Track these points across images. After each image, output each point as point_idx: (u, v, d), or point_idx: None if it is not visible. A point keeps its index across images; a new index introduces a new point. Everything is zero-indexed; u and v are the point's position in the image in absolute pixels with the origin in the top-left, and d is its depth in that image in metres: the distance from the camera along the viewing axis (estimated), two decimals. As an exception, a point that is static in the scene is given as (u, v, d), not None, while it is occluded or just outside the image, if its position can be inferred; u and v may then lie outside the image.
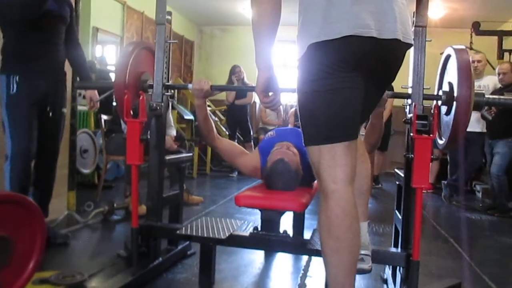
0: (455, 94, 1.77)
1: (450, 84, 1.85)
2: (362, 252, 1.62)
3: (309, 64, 1.35)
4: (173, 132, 3.79)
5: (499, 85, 4.41)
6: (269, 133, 2.40)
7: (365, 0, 1.31)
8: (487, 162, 4.60)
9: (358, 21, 1.29)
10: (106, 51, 5.87)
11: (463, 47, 1.86)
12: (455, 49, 1.84)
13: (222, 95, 6.28)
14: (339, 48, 1.30)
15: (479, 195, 5.22)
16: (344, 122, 1.34)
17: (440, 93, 1.92)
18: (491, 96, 1.97)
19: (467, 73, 1.74)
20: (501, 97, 2.14)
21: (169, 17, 2.18)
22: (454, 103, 1.78)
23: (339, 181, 1.32)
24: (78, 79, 2.78)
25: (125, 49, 2.19)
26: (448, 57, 1.94)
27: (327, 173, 1.33)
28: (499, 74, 4.36)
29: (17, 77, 2.34)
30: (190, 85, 2.17)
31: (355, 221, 1.33)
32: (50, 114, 2.52)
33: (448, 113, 1.87)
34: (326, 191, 1.33)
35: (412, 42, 1.43)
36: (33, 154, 2.44)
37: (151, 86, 2.16)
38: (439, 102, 1.91)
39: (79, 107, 3.80)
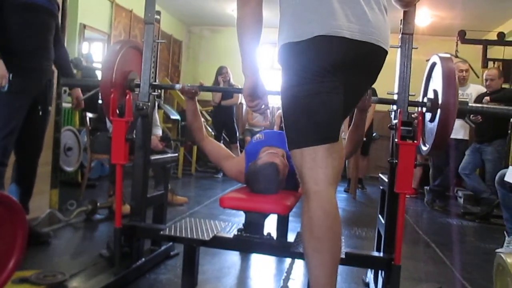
0: (440, 102, 1.80)
1: (435, 92, 1.88)
2: None
3: (289, 71, 1.40)
4: (158, 131, 3.77)
5: (482, 92, 4.48)
6: (257, 135, 2.38)
7: (339, 4, 1.35)
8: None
9: (330, 22, 1.34)
10: (93, 49, 5.82)
11: (448, 55, 1.89)
12: (440, 57, 1.86)
13: (208, 96, 6.28)
14: (312, 49, 1.35)
15: (461, 200, 5.29)
16: (323, 125, 1.37)
17: (425, 100, 1.95)
18: (474, 105, 2.00)
19: (451, 81, 1.77)
20: (484, 105, 2.20)
21: (158, 17, 2.18)
22: (439, 110, 1.81)
23: (320, 182, 1.35)
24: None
25: (112, 48, 2.17)
26: (433, 65, 1.97)
27: (309, 175, 1.36)
28: (486, 80, 4.42)
29: (11, 75, 2.26)
30: (177, 86, 2.16)
31: (337, 222, 1.36)
32: (40, 112, 2.49)
33: (432, 120, 1.89)
34: (308, 193, 1.36)
35: (387, 48, 1.46)
36: (9, 153, 2.38)
37: (138, 85, 2.14)
38: (424, 109, 1.94)
39: (64, 104, 3.76)
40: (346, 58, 1.37)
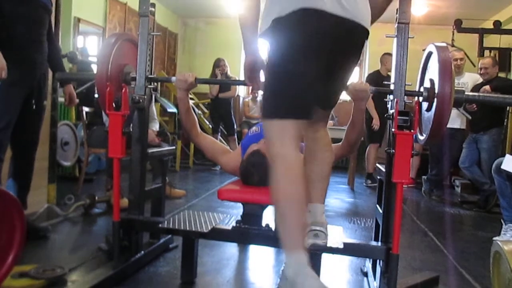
0: (436, 91, 1.80)
1: (432, 81, 1.87)
2: (317, 228, 1.68)
3: (271, 46, 1.50)
4: (155, 126, 3.76)
5: (477, 82, 4.47)
6: (254, 128, 2.37)
7: None
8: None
9: None
10: (88, 42, 5.79)
11: (444, 44, 1.88)
12: (436, 47, 1.85)
13: (205, 88, 6.26)
14: (292, 22, 1.41)
15: (458, 189, 5.32)
16: (294, 100, 1.42)
17: (422, 89, 1.94)
18: (470, 93, 2.00)
19: (448, 71, 1.76)
20: (480, 94, 2.21)
21: (153, 9, 2.16)
22: (435, 99, 1.81)
23: (287, 145, 1.40)
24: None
25: (107, 41, 2.16)
26: (429, 54, 1.97)
27: (275, 139, 1.41)
28: (480, 68, 4.42)
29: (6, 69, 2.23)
30: (173, 78, 2.15)
31: (299, 177, 1.39)
32: (34, 106, 2.48)
33: (429, 109, 1.89)
34: (275, 155, 1.41)
35: (368, 27, 1.51)
36: (5, 147, 2.38)
37: (134, 79, 2.13)
38: (421, 99, 1.94)
39: (60, 99, 3.74)
40: (326, 33, 1.42)
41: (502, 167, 2.96)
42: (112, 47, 2.06)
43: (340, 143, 2.10)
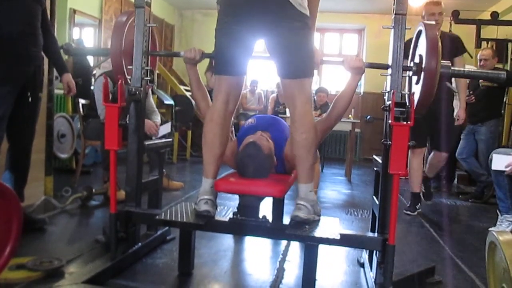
0: (424, 65, 1.84)
1: (420, 57, 1.91)
2: (300, 202, 1.85)
3: None
4: (157, 118, 3.73)
5: None
6: (249, 120, 2.37)
7: None
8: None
9: None
10: (84, 34, 5.75)
11: (433, 22, 1.91)
12: (425, 25, 1.90)
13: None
14: None
15: (455, 181, 5.33)
16: (224, 60, 1.91)
17: (412, 64, 1.98)
18: (456, 68, 2.05)
19: (435, 47, 1.80)
20: (465, 69, 2.29)
21: (149, 0, 2.15)
22: (423, 73, 1.85)
23: (218, 99, 1.93)
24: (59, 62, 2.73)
25: (120, 17, 2.16)
26: (419, 32, 2.00)
27: (214, 95, 1.95)
28: (480, 60, 4.42)
29: None
30: (182, 53, 2.16)
31: (218, 127, 1.90)
32: (30, 99, 2.47)
33: (417, 82, 1.94)
34: (211, 106, 1.97)
35: None
36: (1, 140, 2.37)
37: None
38: (410, 73, 1.97)
39: (56, 91, 3.73)
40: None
41: (493, 168, 2.95)
42: (125, 23, 2.11)
43: (324, 115, 2.13)
